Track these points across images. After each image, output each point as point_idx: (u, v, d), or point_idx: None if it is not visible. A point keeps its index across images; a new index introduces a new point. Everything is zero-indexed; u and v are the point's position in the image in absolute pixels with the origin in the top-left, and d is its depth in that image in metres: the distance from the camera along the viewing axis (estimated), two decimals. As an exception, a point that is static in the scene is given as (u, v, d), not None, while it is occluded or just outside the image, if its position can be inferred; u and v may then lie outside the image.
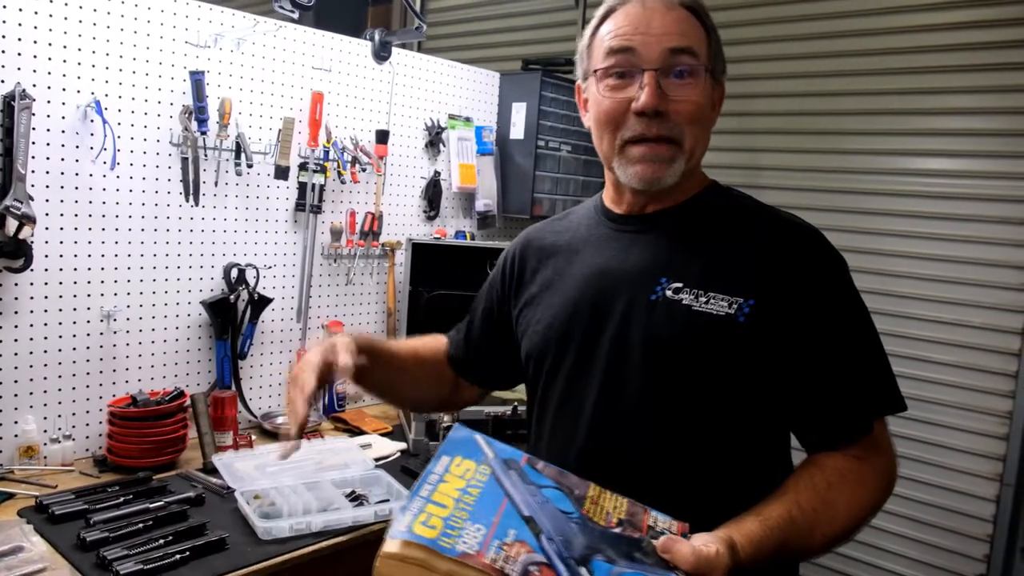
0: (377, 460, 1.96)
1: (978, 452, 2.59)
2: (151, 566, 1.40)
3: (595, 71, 1.11)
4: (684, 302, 1.08)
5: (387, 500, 1.74)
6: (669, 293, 1.09)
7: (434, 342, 1.45)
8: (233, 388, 2.09)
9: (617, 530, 0.92)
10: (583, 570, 0.83)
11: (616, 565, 0.86)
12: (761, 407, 1.09)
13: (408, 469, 1.94)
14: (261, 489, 1.70)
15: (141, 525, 1.53)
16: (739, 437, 1.10)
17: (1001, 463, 2.56)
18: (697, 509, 0.97)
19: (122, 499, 1.64)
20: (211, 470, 1.82)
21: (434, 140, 2.53)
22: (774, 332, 1.05)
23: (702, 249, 1.12)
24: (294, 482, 1.74)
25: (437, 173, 2.56)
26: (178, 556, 1.44)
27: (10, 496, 1.65)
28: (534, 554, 0.83)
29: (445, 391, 1.43)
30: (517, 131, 2.65)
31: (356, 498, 1.74)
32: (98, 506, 1.60)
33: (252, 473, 1.79)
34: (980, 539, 2.59)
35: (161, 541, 1.48)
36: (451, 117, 2.58)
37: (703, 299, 1.07)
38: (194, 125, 1.95)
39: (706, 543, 0.89)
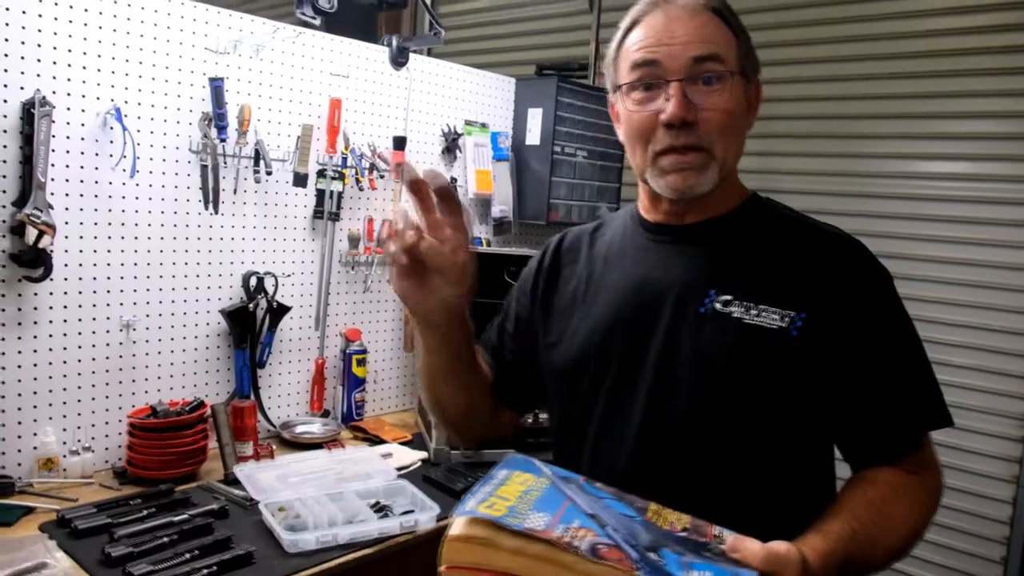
0: (399, 469, 1.94)
1: (995, 455, 2.58)
2: (178, 582, 1.37)
3: (621, 85, 1.09)
4: (735, 315, 1.05)
5: (412, 511, 1.72)
6: (718, 306, 1.06)
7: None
8: (252, 397, 2.07)
9: (682, 534, 0.90)
10: (652, 555, 0.81)
11: (685, 557, 0.84)
12: (811, 422, 1.07)
13: (430, 479, 1.91)
14: (285, 501, 1.68)
15: (166, 539, 1.50)
16: (789, 453, 1.08)
17: (1018, 465, 2.55)
18: (746, 528, 0.92)
19: (145, 512, 1.61)
20: (232, 481, 1.80)
21: (451, 146, 2.51)
22: (826, 346, 1.03)
23: (748, 261, 1.09)
24: (317, 493, 1.72)
25: (454, 179, 2.54)
26: (205, 572, 1.41)
27: (30, 510, 1.63)
28: (600, 538, 0.81)
29: (488, 413, 1.30)
30: (533, 137, 2.63)
31: (381, 509, 1.72)
32: (121, 520, 1.57)
33: (274, 484, 1.77)
34: (997, 541, 2.58)
35: (187, 556, 1.45)
36: (467, 123, 2.56)
37: (754, 312, 1.05)
38: (213, 132, 1.93)
39: (776, 543, 0.87)
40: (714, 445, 1.06)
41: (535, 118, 2.63)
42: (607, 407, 1.14)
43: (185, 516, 1.60)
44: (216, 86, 1.91)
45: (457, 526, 0.78)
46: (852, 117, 2.77)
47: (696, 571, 0.82)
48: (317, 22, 2.02)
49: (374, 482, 1.82)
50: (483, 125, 2.61)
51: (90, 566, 1.43)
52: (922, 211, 2.68)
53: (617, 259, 1.20)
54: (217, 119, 1.92)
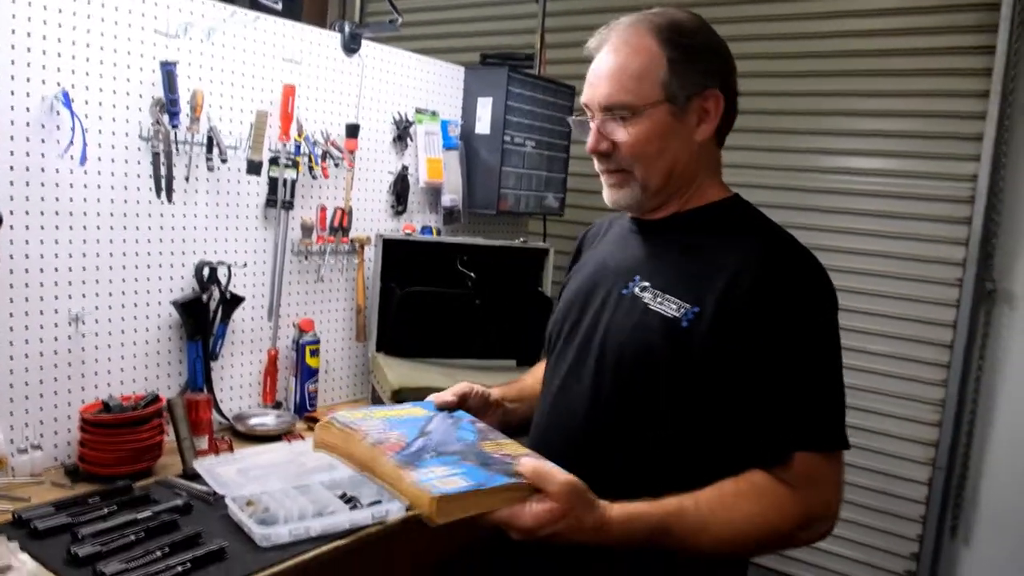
0: (361, 460, 1.94)
1: (912, 438, 2.77)
2: (154, 580, 1.35)
3: (578, 119, 1.30)
4: (644, 300, 1.21)
5: (379, 501, 1.72)
6: (636, 290, 1.24)
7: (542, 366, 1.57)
8: (206, 390, 2.03)
9: (496, 455, 1.11)
10: (430, 455, 1.08)
11: (452, 457, 1.09)
12: (698, 414, 1.16)
13: (394, 469, 1.92)
14: (253, 495, 1.66)
15: (133, 537, 1.46)
16: (675, 439, 1.18)
17: (933, 448, 2.74)
18: (624, 490, 1.09)
19: (107, 510, 1.57)
20: (192, 476, 1.76)
21: (402, 134, 2.50)
22: (715, 342, 1.13)
23: (681, 256, 1.24)
24: (283, 485, 1.71)
25: (405, 168, 2.53)
26: (180, 568, 1.39)
27: (-19, 511, 1.56)
28: (404, 438, 1.11)
29: None
30: (483, 126, 2.65)
31: (349, 500, 1.72)
32: (83, 519, 1.52)
33: (236, 478, 1.74)
34: (913, 520, 2.78)
35: (158, 553, 1.42)
36: (418, 111, 2.56)
37: (659, 300, 1.19)
38: (165, 118, 1.87)
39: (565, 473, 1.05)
40: (605, 413, 1.23)
41: (485, 107, 2.64)
42: (550, 375, 1.37)
43: (149, 513, 1.56)
44: (168, 70, 1.85)
45: (321, 421, 1.19)
46: (778, 113, 2.91)
47: (447, 465, 1.06)
48: (279, 6, 1.97)
49: (338, 473, 1.81)
50: (433, 113, 2.60)
51: (57, 567, 1.38)
52: (842, 204, 2.85)
53: (607, 243, 1.41)
54: (169, 104, 1.86)
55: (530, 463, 1.06)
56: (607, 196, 1.28)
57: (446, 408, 1.31)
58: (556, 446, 1.24)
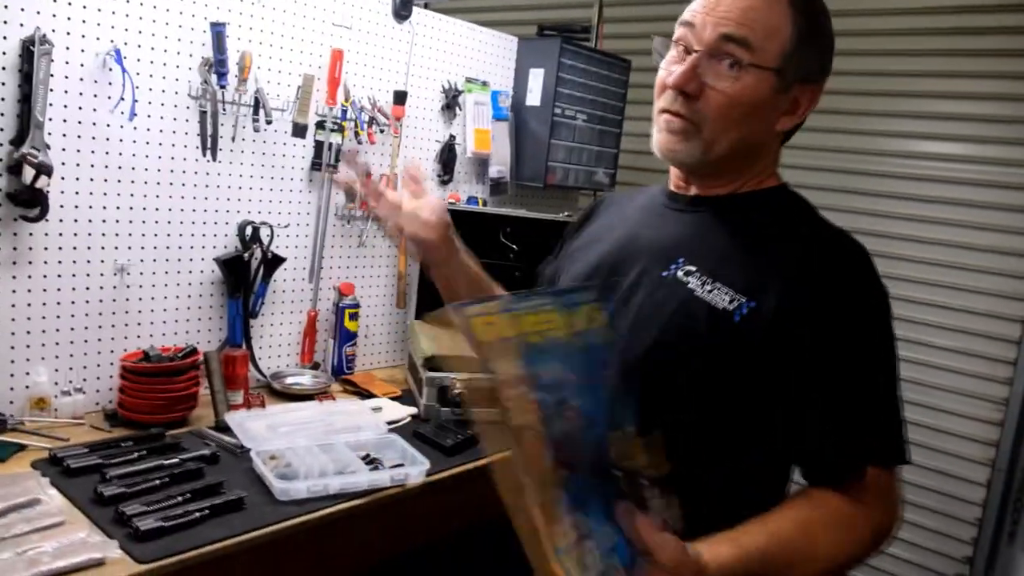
0: (389, 424, 1.97)
1: (972, 437, 2.65)
2: (171, 523, 1.39)
3: (667, 42, 1.12)
4: (689, 286, 1.08)
5: (402, 464, 1.75)
6: (680, 274, 1.10)
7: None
8: (244, 347, 2.08)
9: (617, 472, 0.88)
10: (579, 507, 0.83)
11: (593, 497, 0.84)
12: (747, 417, 1.06)
13: (420, 434, 1.94)
14: (277, 450, 1.70)
15: (157, 481, 1.52)
16: (719, 442, 1.07)
17: (994, 449, 2.61)
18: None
19: (136, 455, 1.63)
20: (223, 428, 1.82)
21: (450, 103, 2.49)
22: (773, 341, 1.01)
23: (730, 241, 1.11)
24: (308, 443, 1.74)
25: (452, 137, 2.53)
26: (197, 514, 1.44)
27: (22, 448, 1.64)
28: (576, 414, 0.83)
29: None
30: (533, 97, 2.62)
31: (371, 461, 1.74)
32: (113, 461, 1.59)
33: (265, 433, 1.79)
34: (969, 522, 2.66)
35: (179, 498, 1.47)
36: (468, 80, 2.54)
37: (708, 287, 1.06)
38: (213, 78, 1.90)
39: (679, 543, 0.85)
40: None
41: (536, 79, 2.61)
42: None
43: (176, 460, 1.62)
44: (217, 31, 1.89)
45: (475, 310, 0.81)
46: (847, 93, 2.77)
47: (580, 517, 0.83)
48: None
49: (364, 435, 1.84)
50: (484, 83, 2.59)
51: (83, 504, 1.44)
52: (911, 191, 2.71)
53: (632, 214, 1.27)
54: (218, 65, 1.90)
55: (644, 525, 0.84)
56: (662, 141, 1.10)
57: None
58: None
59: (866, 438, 1.02)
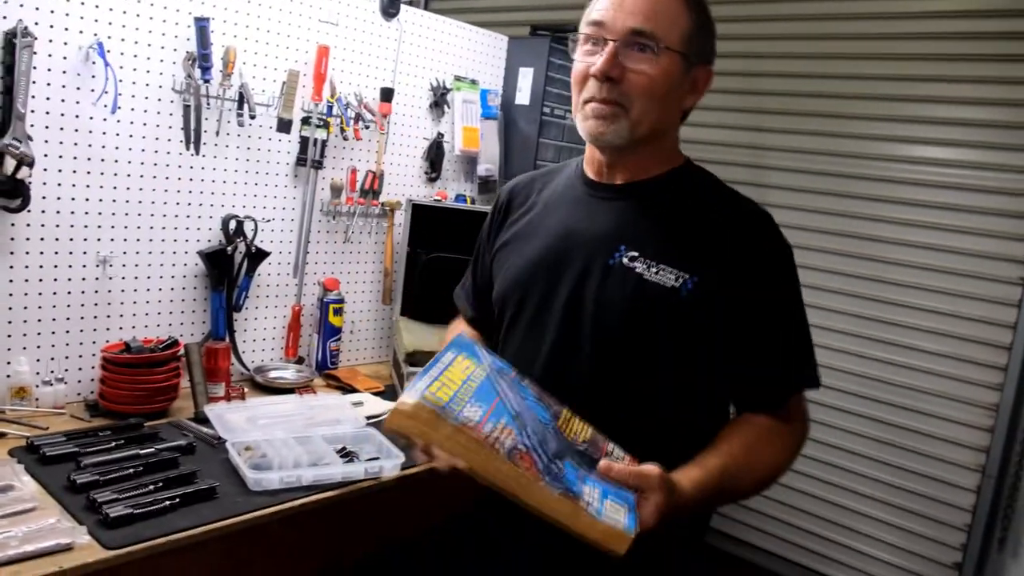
0: (369, 418, 1.97)
1: (962, 442, 2.62)
2: (140, 511, 1.40)
3: (577, 35, 1.25)
4: (637, 270, 1.21)
5: (377, 458, 1.75)
6: (625, 260, 1.22)
7: (461, 324, 1.62)
8: (227, 340, 2.09)
9: (581, 447, 1.10)
10: (555, 465, 1.00)
11: (581, 470, 1.03)
12: (698, 372, 1.23)
13: (399, 429, 1.94)
14: (252, 441, 1.71)
15: (131, 470, 1.53)
16: (679, 397, 1.24)
17: (984, 454, 2.59)
18: (640, 456, 1.12)
19: (113, 444, 1.64)
20: (203, 420, 1.83)
21: (439, 101, 2.50)
22: (711, 307, 1.18)
23: (661, 224, 1.24)
24: (285, 435, 1.75)
25: (440, 135, 2.54)
26: (167, 502, 1.44)
27: (2, 435, 1.65)
28: (518, 440, 0.99)
29: None
30: (523, 96, 2.63)
31: (347, 454, 1.75)
32: (89, 449, 1.60)
33: (243, 425, 1.80)
34: (958, 528, 2.63)
35: (151, 487, 1.48)
36: (457, 79, 2.55)
37: (654, 270, 1.20)
38: (197, 72, 1.92)
39: (645, 466, 1.07)
40: (611, 383, 1.23)
41: (526, 78, 2.62)
42: (523, 339, 1.33)
43: (152, 450, 1.62)
44: (201, 26, 1.90)
45: (408, 402, 0.95)
46: (840, 96, 2.76)
47: (588, 485, 1.01)
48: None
49: (342, 428, 1.85)
50: (473, 82, 2.60)
51: (55, 491, 1.45)
52: (903, 195, 2.69)
53: (556, 206, 1.36)
54: (201, 60, 1.91)
55: (625, 470, 1.06)
56: (592, 127, 1.22)
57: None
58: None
59: (790, 371, 1.23)
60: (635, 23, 1.16)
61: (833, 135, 2.80)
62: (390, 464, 1.71)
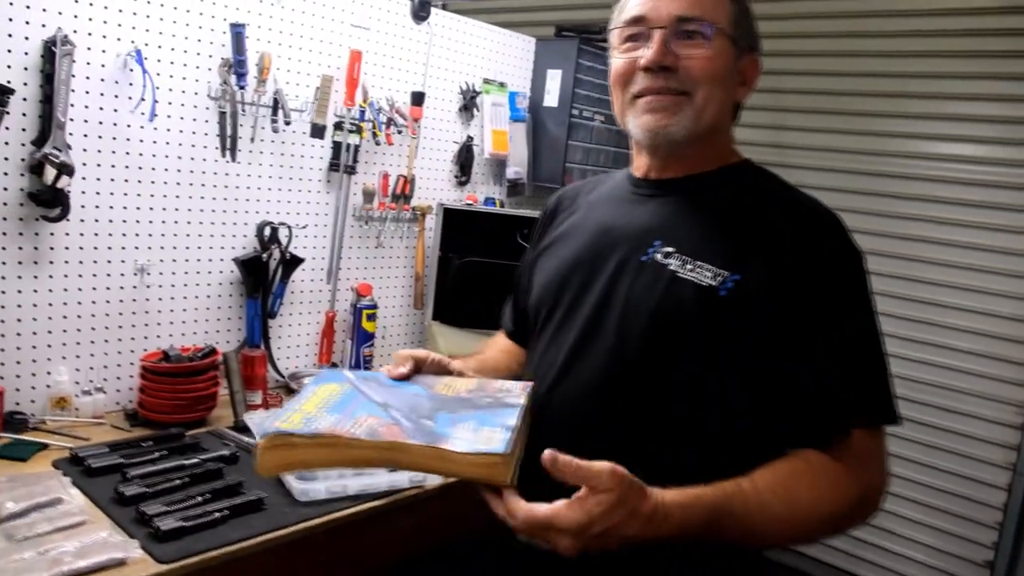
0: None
1: (993, 440, 2.62)
2: (191, 523, 1.38)
3: (612, 32, 1.17)
4: (670, 267, 1.09)
5: (419, 466, 1.74)
6: (659, 257, 1.11)
7: (500, 338, 1.54)
8: (262, 347, 2.08)
9: (465, 396, 1.08)
10: (426, 421, 0.97)
11: (457, 414, 1.00)
12: (733, 385, 1.05)
13: (438, 435, 1.93)
14: (296, 450, 1.69)
15: (178, 481, 1.52)
16: (706, 408, 1.07)
17: (1015, 452, 2.59)
18: (653, 472, 0.93)
19: (157, 454, 1.63)
20: (242, 428, 1.82)
21: (468, 104, 2.49)
22: (758, 311, 1.02)
23: (705, 219, 1.12)
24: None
25: (470, 138, 2.53)
26: (217, 514, 1.43)
27: (44, 447, 1.64)
28: (381, 421, 0.97)
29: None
30: (551, 98, 2.61)
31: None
32: (133, 460, 1.59)
33: (283, 433, 1.78)
34: (990, 526, 2.63)
35: (199, 499, 1.47)
36: (486, 81, 2.54)
37: (689, 267, 1.07)
38: (233, 79, 1.91)
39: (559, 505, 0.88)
40: (627, 389, 1.09)
41: (554, 80, 2.60)
42: (548, 343, 1.22)
43: (196, 460, 1.61)
44: (237, 32, 1.89)
45: (259, 443, 0.96)
46: (860, 94, 2.75)
47: (462, 423, 0.98)
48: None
49: (382, 436, 1.83)
50: (501, 84, 2.58)
51: (103, 504, 1.44)
52: (927, 192, 2.69)
53: (598, 207, 1.27)
54: (237, 66, 1.90)
55: (561, 457, 0.89)
56: (650, 122, 1.11)
57: (400, 379, 1.17)
58: (567, 423, 1.13)
59: (850, 397, 1.02)
60: (680, 10, 1.08)
61: (859, 133, 2.79)
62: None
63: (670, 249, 1.10)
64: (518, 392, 1.10)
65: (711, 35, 1.09)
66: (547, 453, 0.89)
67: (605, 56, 2.67)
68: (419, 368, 1.21)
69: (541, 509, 0.88)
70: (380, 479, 1.64)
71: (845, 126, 2.79)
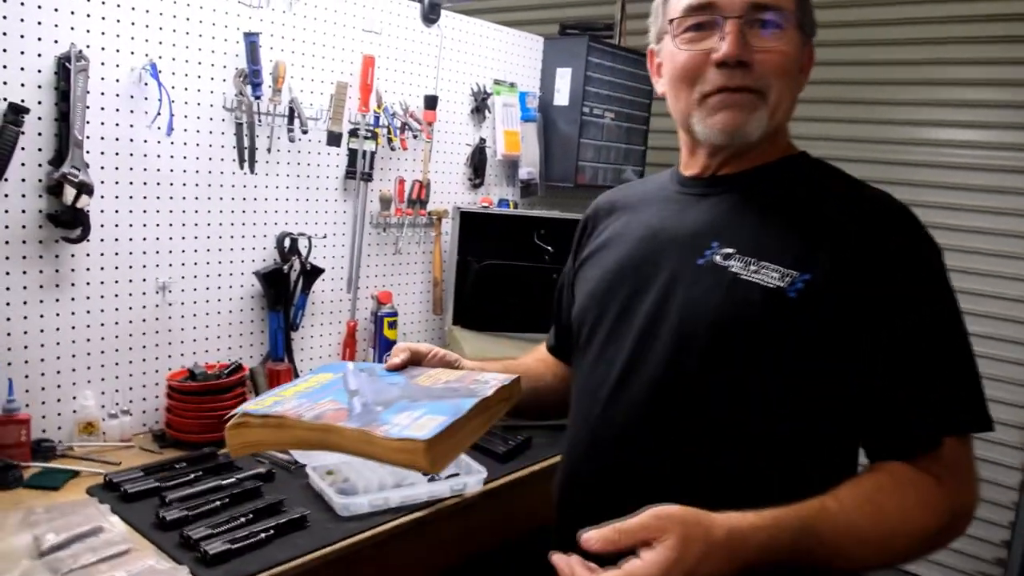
0: (438, 433, 1.93)
1: (1006, 422, 2.63)
2: (238, 545, 1.36)
3: (671, 21, 1.04)
4: (732, 269, 0.99)
5: (457, 474, 1.71)
6: (718, 259, 1.01)
7: (540, 350, 1.45)
8: (286, 360, 2.05)
9: (440, 387, 1.05)
10: (379, 408, 0.96)
11: (415, 402, 0.97)
12: (808, 397, 0.96)
13: (471, 443, 1.91)
14: (333, 465, 1.67)
15: (218, 503, 1.49)
16: (777, 426, 0.97)
17: (1020, 473, 2.60)
18: (716, 500, 0.85)
19: (192, 476, 1.60)
20: (274, 445, 1.78)
21: (480, 106, 2.46)
22: (833, 314, 0.93)
23: (766, 216, 1.02)
24: (363, 457, 1.71)
25: (482, 140, 2.50)
26: (263, 535, 1.40)
27: (75, 474, 1.60)
28: (338, 405, 0.99)
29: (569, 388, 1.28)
30: (561, 97, 2.59)
31: (426, 472, 1.71)
32: (170, 484, 1.55)
33: (316, 448, 1.75)
34: (1006, 507, 2.64)
35: (242, 519, 1.44)
36: (496, 82, 2.51)
37: (753, 268, 0.98)
38: (248, 89, 1.87)
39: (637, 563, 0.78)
40: (683, 407, 1.00)
41: (564, 78, 2.58)
42: (597, 355, 1.11)
43: (233, 480, 1.58)
44: (251, 41, 1.86)
45: (231, 421, 1.00)
46: (868, 83, 2.75)
47: (410, 410, 0.95)
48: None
49: (417, 446, 1.81)
50: (512, 85, 2.56)
51: (145, 530, 1.41)
52: (931, 178, 2.71)
53: (642, 211, 1.17)
54: (252, 76, 1.87)
55: (594, 534, 0.80)
56: (726, 121, 1.01)
57: (393, 369, 1.13)
58: (626, 445, 1.04)
59: (939, 402, 0.92)
60: None
61: (862, 121, 2.79)
62: (473, 480, 1.68)
63: (730, 250, 1.01)
64: (493, 384, 1.04)
65: (785, 25, 0.99)
66: (583, 538, 0.80)
67: (613, 53, 2.67)
68: (419, 361, 1.15)
69: None
70: (420, 490, 1.62)
71: (849, 115, 2.78)
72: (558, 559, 0.84)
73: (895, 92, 2.73)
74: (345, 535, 1.47)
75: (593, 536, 0.79)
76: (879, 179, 2.68)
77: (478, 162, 2.49)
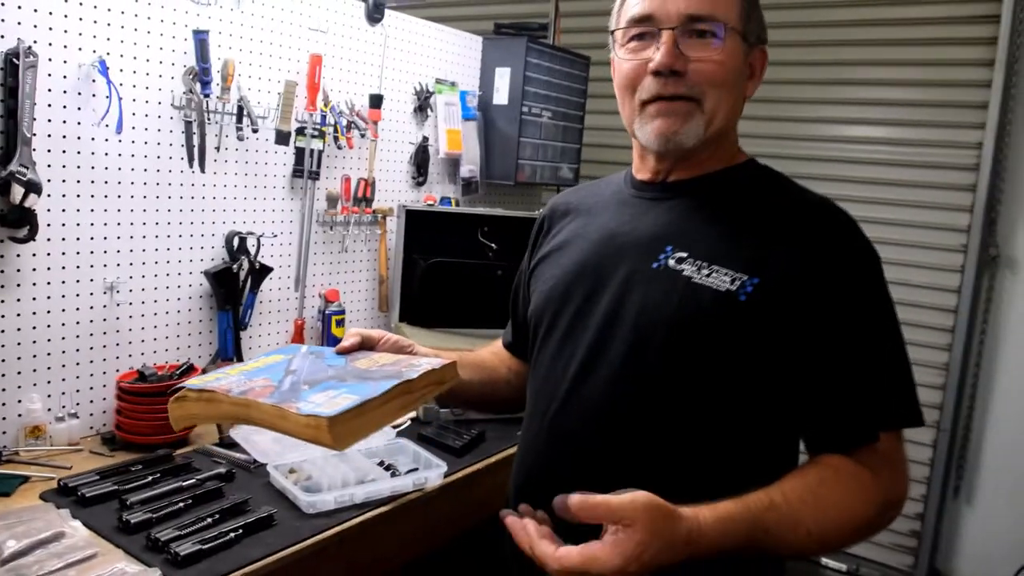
0: (393, 428, 1.97)
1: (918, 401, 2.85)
2: (209, 545, 1.36)
3: (615, 31, 1.10)
4: (685, 273, 1.03)
5: (416, 469, 1.76)
6: (672, 263, 1.05)
7: (495, 345, 1.47)
8: (235, 359, 2.04)
9: (375, 369, 1.07)
10: (305, 387, 1.01)
11: (342, 382, 1.02)
12: (756, 395, 1.02)
13: (425, 437, 1.95)
14: (295, 463, 1.69)
15: (182, 504, 1.48)
16: (728, 422, 1.03)
17: (938, 411, 2.82)
18: (671, 492, 0.87)
19: (151, 478, 1.58)
20: (229, 444, 1.78)
21: (423, 105, 2.49)
22: (780, 316, 0.99)
23: (717, 221, 1.07)
24: (322, 453, 1.73)
25: (425, 139, 2.53)
26: (232, 534, 1.41)
27: (26, 479, 1.57)
28: (269, 382, 1.03)
29: (516, 398, 1.34)
30: (500, 96, 2.64)
31: (388, 467, 1.75)
32: (129, 486, 1.54)
33: (273, 446, 1.76)
34: (919, 481, 2.85)
35: (209, 520, 1.44)
36: (438, 81, 2.55)
37: (705, 271, 1.02)
38: (198, 87, 1.85)
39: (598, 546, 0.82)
40: (639, 404, 1.04)
41: (503, 78, 2.64)
42: (554, 352, 1.15)
43: (194, 480, 1.58)
44: (200, 39, 1.84)
45: (174, 396, 1.05)
46: (781, 82, 2.93)
47: (332, 389, 1.00)
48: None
49: (375, 442, 1.84)
50: (452, 84, 2.60)
51: (108, 534, 1.39)
52: (845, 173, 2.93)
53: (599, 212, 1.21)
54: (201, 73, 1.85)
55: (577, 498, 0.83)
56: (661, 127, 1.05)
57: (342, 352, 1.15)
58: (578, 442, 1.09)
59: (877, 400, 0.99)
60: (690, 7, 1.02)
61: (777, 119, 2.97)
62: (434, 474, 1.73)
63: (683, 254, 1.05)
64: (423, 367, 1.07)
65: (722, 35, 1.03)
66: (558, 499, 0.83)
67: (551, 54, 2.74)
68: (371, 346, 1.18)
69: (572, 555, 0.83)
70: (383, 485, 1.65)
71: (762, 112, 2.95)
72: (512, 521, 0.89)
73: (810, 91, 2.92)
74: (313, 532, 1.49)
75: (575, 500, 0.82)
76: (802, 175, 2.88)
77: (421, 160, 2.52)
